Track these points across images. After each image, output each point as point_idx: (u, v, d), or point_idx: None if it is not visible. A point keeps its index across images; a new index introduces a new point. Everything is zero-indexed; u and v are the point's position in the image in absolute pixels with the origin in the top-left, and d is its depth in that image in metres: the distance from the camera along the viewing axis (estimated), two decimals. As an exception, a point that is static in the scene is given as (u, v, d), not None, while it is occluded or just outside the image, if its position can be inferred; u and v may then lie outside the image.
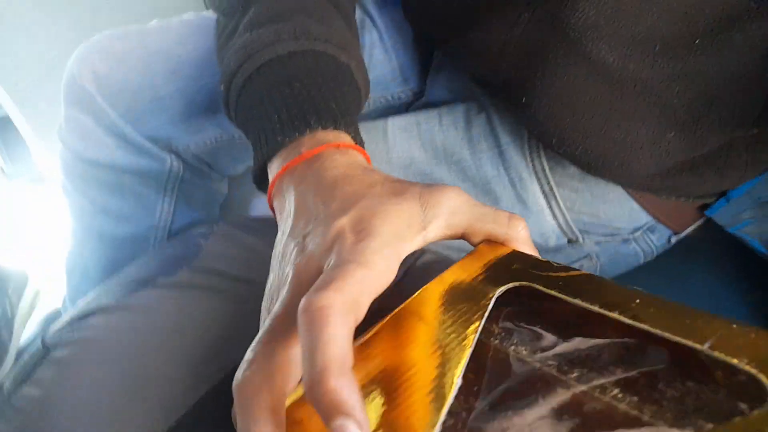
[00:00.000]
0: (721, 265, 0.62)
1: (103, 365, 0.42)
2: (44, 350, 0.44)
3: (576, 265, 0.61)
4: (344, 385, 0.19)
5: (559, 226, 0.56)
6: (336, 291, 0.21)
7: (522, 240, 0.28)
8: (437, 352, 0.23)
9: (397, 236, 0.26)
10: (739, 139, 0.46)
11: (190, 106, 0.55)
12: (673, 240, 0.60)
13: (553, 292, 0.24)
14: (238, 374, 0.23)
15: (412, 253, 0.44)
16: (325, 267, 0.25)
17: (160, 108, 0.54)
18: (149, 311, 0.45)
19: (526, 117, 0.48)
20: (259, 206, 0.65)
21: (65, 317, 0.46)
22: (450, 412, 0.21)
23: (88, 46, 0.55)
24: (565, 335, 0.24)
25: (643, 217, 0.57)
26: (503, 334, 0.26)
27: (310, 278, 0.25)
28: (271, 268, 0.29)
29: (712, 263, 0.63)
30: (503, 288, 0.25)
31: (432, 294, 0.26)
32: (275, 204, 0.33)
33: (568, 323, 0.25)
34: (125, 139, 0.54)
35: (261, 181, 0.37)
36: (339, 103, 0.35)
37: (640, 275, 0.63)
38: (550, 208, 0.55)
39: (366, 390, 0.22)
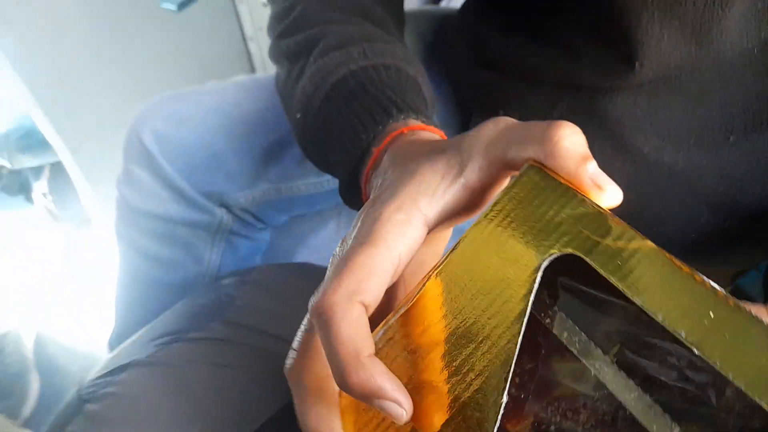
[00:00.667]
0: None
1: (135, 422, 0.42)
2: (79, 402, 0.44)
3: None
4: (365, 378, 0.20)
5: None
6: (333, 291, 0.22)
7: (564, 156, 0.22)
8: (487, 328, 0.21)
9: (414, 195, 0.24)
10: None
11: (243, 163, 0.58)
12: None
13: (607, 277, 0.20)
14: (286, 361, 0.25)
15: None
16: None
17: (216, 165, 0.57)
18: (180, 367, 0.45)
19: None
20: (301, 256, 0.67)
21: (99, 368, 0.46)
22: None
23: (150, 107, 0.58)
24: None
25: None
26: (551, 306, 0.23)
27: None
28: None
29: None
30: (545, 262, 0.21)
31: (456, 268, 0.23)
32: None
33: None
34: (180, 194, 0.57)
35: (348, 192, 0.38)
36: (410, 100, 0.37)
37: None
38: None
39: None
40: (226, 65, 1.28)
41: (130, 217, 0.60)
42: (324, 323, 0.21)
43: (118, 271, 0.65)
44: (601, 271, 0.20)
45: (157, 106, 0.58)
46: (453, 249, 0.23)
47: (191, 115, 0.57)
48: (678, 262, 0.19)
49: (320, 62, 0.40)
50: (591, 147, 0.45)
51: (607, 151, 0.45)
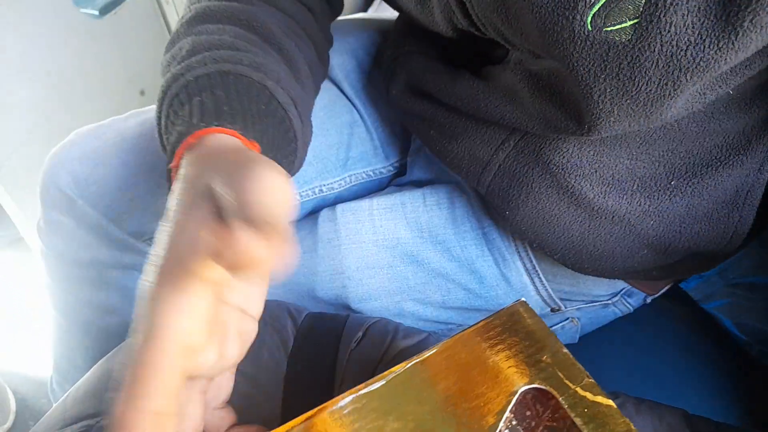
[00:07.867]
0: (693, 314, 0.64)
1: None
2: None
3: (558, 327, 0.63)
4: None
5: (543, 299, 0.58)
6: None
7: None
8: None
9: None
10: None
11: None
12: (649, 300, 0.62)
13: (574, 419, 0.23)
14: None
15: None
16: None
17: (143, 205, 0.54)
18: None
19: (508, 222, 0.50)
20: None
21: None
22: None
23: (64, 148, 0.53)
24: None
25: (620, 285, 0.58)
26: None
27: None
28: None
29: (685, 310, 0.65)
30: (523, 388, 0.24)
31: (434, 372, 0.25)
32: None
33: None
34: (109, 238, 0.54)
35: None
36: (234, 106, 0.36)
37: (618, 324, 0.65)
38: (533, 284, 0.56)
39: None
40: (155, 71, 1.22)
41: (59, 267, 0.56)
42: None
43: (53, 317, 0.61)
44: (570, 413, 0.24)
45: (73, 146, 0.53)
46: (436, 348, 0.26)
47: (111, 154, 0.53)
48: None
49: (168, 75, 0.39)
50: (537, 188, 0.46)
51: (552, 194, 0.46)
